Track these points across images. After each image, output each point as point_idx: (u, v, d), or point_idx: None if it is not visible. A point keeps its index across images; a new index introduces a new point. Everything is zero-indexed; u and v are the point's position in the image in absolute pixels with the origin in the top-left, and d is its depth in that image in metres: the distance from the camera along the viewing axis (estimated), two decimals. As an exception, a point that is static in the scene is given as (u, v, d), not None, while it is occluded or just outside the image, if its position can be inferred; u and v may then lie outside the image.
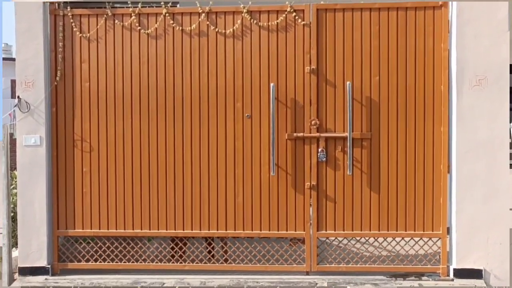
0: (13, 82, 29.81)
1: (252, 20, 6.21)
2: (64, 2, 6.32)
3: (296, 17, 6.19)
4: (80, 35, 6.31)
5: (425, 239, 6.25)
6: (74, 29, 6.30)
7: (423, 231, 6.20)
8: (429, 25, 6.15)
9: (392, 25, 6.17)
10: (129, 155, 6.31)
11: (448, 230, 6.24)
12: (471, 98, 6.06)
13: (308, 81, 6.21)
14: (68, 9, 6.30)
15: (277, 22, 6.20)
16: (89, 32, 6.31)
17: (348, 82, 6.13)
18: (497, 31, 6.03)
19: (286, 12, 6.20)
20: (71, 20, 6.30)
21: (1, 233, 6.44)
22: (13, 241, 6.56)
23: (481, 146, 6.05)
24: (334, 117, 6.22)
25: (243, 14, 6.21)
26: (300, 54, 6.20)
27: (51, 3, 6.28)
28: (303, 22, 6.19)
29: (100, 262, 6.41)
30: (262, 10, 6.22)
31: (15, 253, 6.49)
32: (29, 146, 6.24)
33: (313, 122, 6.21)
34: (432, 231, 6.20)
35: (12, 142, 6.43)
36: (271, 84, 6.17)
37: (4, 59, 34.04)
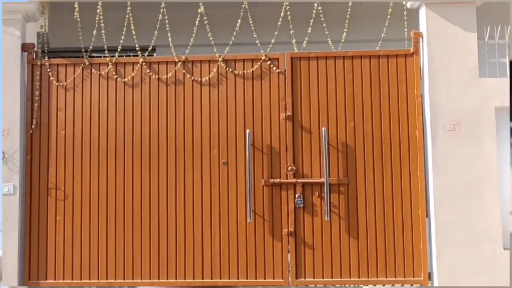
0: None
1: (227, 68, 6.37)
2: (42, 51, 6.47)
3: (271, 65, 6.36)
4: (57, 84, 6.43)
5: (407, 286, 6.18)
6: (51, 78, 6.43)
7: (404, 277, 6.16)
8: (402, 72, 6.34)
9: (366, 73, 6.35)
10: (103, 203, 6.30)
11: (430, 276, 6.19)
12: (446, 143, 6.17)
13: (284, 128, 6.31)
14: (46, 59, 6.44)
15: (253, 70, 6.37)
16: (66, 81, 6.44)
17: (323, 128, 6.23)
18: (468, 77, 6.22)
19: (261, 61, 6.37)
20: (48, 70, 6.44)
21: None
22: (-17, 295, 6.41)
23: (458, 191, 6.12)
24: (311, 162, 6.28)
25: (218, 63, 6.38)
26: (276, 101, 6.34)
27: (29, 53, 6.42)
28: (278, 70, 6.36)
29: (73, 315, 6.27)
30: (237, 58, 6.40)
31: (-16, 306, 6.33)
32: (2, 194, 6.22)
33: (289, 168, 6.26)
34: (413, 277, 6.16)
35: (-14, 190, 6.42)
36: (247, 131, 6.26)
37: None
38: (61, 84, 6.44)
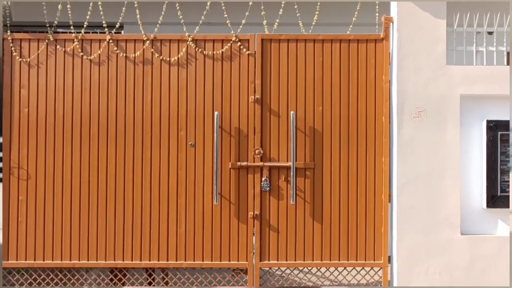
0: None
1: (197, 48, 6.29)
2: (4, 25, 6.24)
3: (241, 47, 6.31)
4: (20, 59, 6.25)
5: (367, 269, 6.39)
6: (14, 54, 6.24)
7: (365, 261, 6.34)
8: (371, 57, 6.37)
9: (335, 57, 6.36)
10: (67, 183, 6.25)
11: (390, 260, 6.38)
12: (411, 130, 6.28)
13: (252, 110, 6.31)
14: (8, 33, 6.23)
15: (222, 51, 6.31)
16: (29, 57, 6.26)
17: (292, 112, 6.26)
18: (436, 65, 6.29)
19: (231, 42, 6.31)
20: (11, 45, 6.25)
21: None
22: None
23: (420, 177, 6.26)
24: (278, 146, 6.32)
25: (188, 43, 6.29)
26: (245, 83, 6.31)
27: (-9, 27, 6.22)
28: (248, 52, 6.31)
29: (35, 294, 6.27)
30: (207, 39, 6.32)
31: None
32: (-38, 173, 6.10)
33: (257, 151, 6.29)
34: (374, 260, 6.34)
35: None
36: (216, 113, 6.24)
37: None
38: (24, 60, 6.26)
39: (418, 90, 6.28)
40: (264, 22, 6.31)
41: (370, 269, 6.40)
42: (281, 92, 6.34)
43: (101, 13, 6.21)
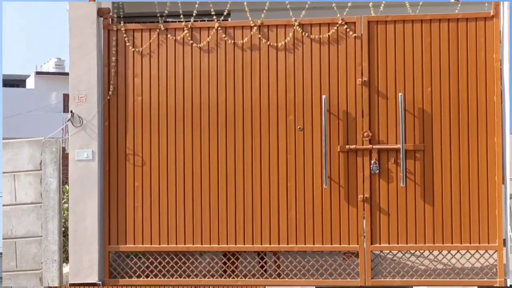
0: (65, 96, 30.46)
1: (303, 33, 6.35)
2: (118, 17, 6.48)
3: (348, 30, 6.32)
4: (133, 49, 6.47)
5: (481, 252, 6.28)
6: (127, 44, 6.47)
7: (479, 244, 6.24)
8: (481, 36, 6.27)
9: (444, 37, 6.29)
10: (181, 169, 6.42)
11: (504, 242, 6.25)
12: (524, 109, 6.12)
13: (360, 93, 6.32)
14: (122, 24, 6.47)
15: (329, 35, 6.34)
16: (141, 47, 6.48)
17: (400, 94, 6.23)
18: (549, 41, 6.11)
19: (337, 25, 6.33)
20: (124, 35, 6.48)
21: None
22: (64, 257, 6.63)
23: (535, 157, 6.10)
24: (387, 128, 6.30)
25: (294, 27, 6.35)
26: (352, 66, 6.32)
27: (105, 18, 6.44)
28: (354, 35, 6.32)
29: (152, 278, 6.49)
30: (313, 23, 6.37)
31: (65, 269, 6.56)
32: (81, 160, 6.37)
33: (365, 134, 6.29)
34: (488, 243, 6.24)
35: (64, 156, 6.54)
36: (323, 96, 6.28)
37: (57, 73, 34.91)
38: (137, 49, 6.48)
39: (531, 68, 6.13)
40: (370, 4, 6.31)
41: (485, 252, 6.29)
42: (388, 74, 6.31)
43: (209, 1, 6.35)
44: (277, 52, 6.39)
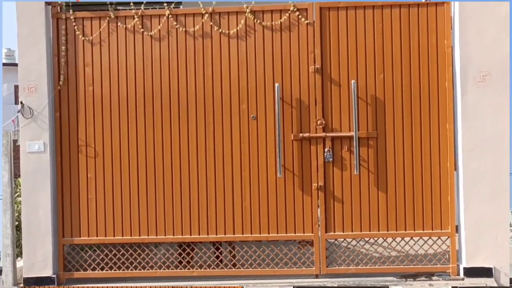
0: (16, 88, 29.94)
1: (255, 20, 6.34)
2: (66, 5, 6.39)
3: (300, 16, 6.32)
4: (83, 38, 6.41)
5: (434, 238, 6.36)
6: (77, 33, 6.40)
7: (432, 230, 6.31)
8: (432, 22, 6.32)
9: (395, 23, 6.33)
10: (134, 159, 6.39)
11: (457, 229, 6.33)
12: (476, 95, 6.21)
13: (312, 81, 6.33)
14: (71, 12, 6.41)
15: (281, 22, 6.35)
16: (92, 35, 6.41)
17: (353, 81, 6.25)
18: (499, 27, 6.16)
19: (289, 11, 6.33)
20: (74, 23, 6.41)
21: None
22: (18, 251, 6.56)
23: (487, 143, 6.19)
24: (340, 116, 6.33)
25: (246, 14, 6.34)
26: (304, 53, 6.33)
27: (53, 6, 6.35)
28: (306, 21, 6.32)
29: (107, 270, 6.47)
30: (265, 9, 6.36)
31: (19, 263, 6.49)
32: (33, 152, 6.31)
33: (319, 122, 6.31)
34: (441, 229, 6.31)
35: (16, 149, 6.46)
36: (276, 84, 6.28)
37: (7, 64, 33.98)
38: (87, 38, 6.41)
39: (482, 54, 6.19)
40: (322, -10, 6.32)
41: (438, 239, 6.36)
42: (341, 61, 6.33)
43: (160, -11, 6.33)
44: (229, 40, 6.37)
